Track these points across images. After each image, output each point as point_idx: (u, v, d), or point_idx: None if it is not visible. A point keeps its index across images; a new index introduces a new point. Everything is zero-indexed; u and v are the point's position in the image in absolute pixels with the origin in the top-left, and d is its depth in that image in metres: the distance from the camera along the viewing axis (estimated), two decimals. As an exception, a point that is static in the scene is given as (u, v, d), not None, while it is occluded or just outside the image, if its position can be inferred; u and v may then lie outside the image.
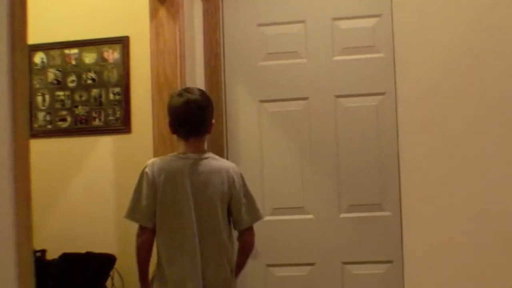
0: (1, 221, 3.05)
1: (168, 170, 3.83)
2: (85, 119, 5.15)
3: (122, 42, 5.10)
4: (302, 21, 4.68)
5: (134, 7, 4.84)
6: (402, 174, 2.45)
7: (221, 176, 3.84)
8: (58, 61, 5.20)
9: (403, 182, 2.45)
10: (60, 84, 5.19)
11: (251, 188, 4.01)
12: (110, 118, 5.10)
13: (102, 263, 4.79)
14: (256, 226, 4.06)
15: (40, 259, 4.48)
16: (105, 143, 5.13)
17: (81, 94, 5.16)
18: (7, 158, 3.08)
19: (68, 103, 5.18)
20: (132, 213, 3.83)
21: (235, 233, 3.99)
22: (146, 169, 3.87)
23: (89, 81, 5.15)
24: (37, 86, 5.17)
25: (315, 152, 4.65)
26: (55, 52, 5.20)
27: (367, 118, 4.57)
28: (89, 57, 5.15)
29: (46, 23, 4.74)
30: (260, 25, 4.69)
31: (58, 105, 5.19)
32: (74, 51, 5.18)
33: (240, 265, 4.01)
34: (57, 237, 4.84)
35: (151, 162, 3.94)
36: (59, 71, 5.20)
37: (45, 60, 5.19)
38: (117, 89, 5.10)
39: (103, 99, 5.13)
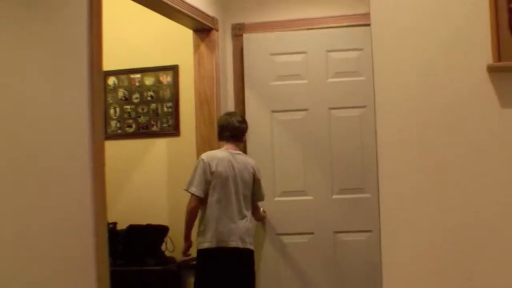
0: (83, 202, 3.07)
1: (218, 158, 4.14)
2: (145, 126, 5.16)
3: (173, 69, 5.10)
4: (304, 52, 4.71)
5: (182, 43, 4.84)
6: (379, 166, 2.43)
7: (249, 166, 4.23)
8: (125, 83, 5.21)
9: (380, 171, 2.43)
10: (127, 100, 5.20)
11: (266, 175, 4.43)
12: (164, 125, 5.11)
13: (158, 232, 4.80)
14: (268, 205, 4.53)
15: (112, 229, 4.48)
16: (160, 143, 5.14)
17: (143, 108, 5.17)
18: (88, 155, 3.11)
19: (133, 114, 5.19)
20: (190, 186, 4.10)
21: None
22: (203, 157, 4.15)
23: (149, 98, 5.16)
24: (110, 101, 5.18)
25: (313, 149, 4.68)
26: (123, 77, 5.20)
27: (352, 125, 4.62)
28: (149, 80, 5.16)
29: (117, 55, 4.74)
30: (272, 54, 4.69)
31: (125, 116, 5.20)
32: (137, 75, 5.19)
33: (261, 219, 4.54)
34: (125, 213, 4.85)
35: (205, 153, 4.22)
36: (126, 90, 5.21)
37: (116, 82, 5.21)
38: (169, 104, 5.11)
39: (159, 111, 5.14)
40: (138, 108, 5.17)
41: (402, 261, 2.37)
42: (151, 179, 5.09)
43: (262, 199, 4.33)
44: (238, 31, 4.95)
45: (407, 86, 2.38)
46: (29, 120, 2.72)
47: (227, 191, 4.09)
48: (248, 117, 4.60)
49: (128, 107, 5.19)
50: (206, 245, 4.06)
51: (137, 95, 5.18)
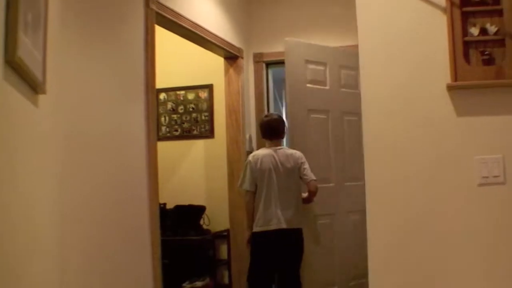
0: (140, 188, 3.11)
1: (262, 156, 3.84)
2: (188, 130, 5.20)
3: (209, 87, 5.14)
4: (325, 64, 4.42)
5: (216, 67, 4.86)
6: (365, 161, 2.43)
7: (292, 157, 3.86)
8: (173, 98, 5.25)
9: (366, 166, 2.43)
10: (174, 111, 5.25)
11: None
12: (202, 129, 5.15)
13: (198, 211, 4.83)
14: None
15: (162, 208, 4.52)
16: (199, 143, 5.17)
17: (186, 116, 5.21)
18: (144, 152, 3.15)
19: (178, 121, 5.23)
20: (242, 184, 3.85)
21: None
22: (250, 158, 3.88)
23: (191, 109, 5.20)
24: (161, 111, 5.22)
25: (333, 145, 4.39)
26: (171, 93, 5.25)
27: (356, 126, 4.28)
28: (191, 96, 5.20)
29: (166, 76, 4.80)
30: (306, 61, 4.30)
31: (173, 123, 5.25)
32: (182, 92, 5.23)
33: (309, 200, 3.95)
34: (173, 196, 4.88)
35: (251, 154, 3.96)
36: (173, 103, 5.25)
37: (165, 97, 5.25)
38: (206, 113, 5.14)
39: (198, 119, 5.17)
40: (183, 117, 5.22)
41: (384, 229, 2.37)
42: (192, 170, 5.12)
43: (309, 177, 3.85)
44: (258, 58, 4.97)
45: (385, 99, 2.38)
46: (104, 127, 2.78)
47: (271, 183, 3.77)
48: (290, 115, 4.27)
49: (175, 116, 5.24)
50: (256, 229, 3.77)
51: (181, 107, 5.22)
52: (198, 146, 5.16)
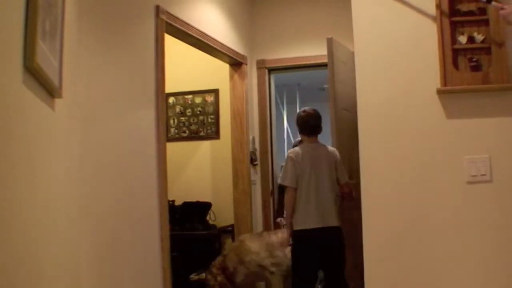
0: (151, 186, 3.11)
1: (302, 152, 3.52)
2: (195, 132, 5.19)
3: (215, 92, 5.12)
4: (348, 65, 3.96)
5: (222, 73, 4.85)
6: (361, 159, 2.43)
7: (332, 155, 3.54)
8: (181, 101, 5.24)
9: (361, 163, 2.43)
10: (182, 113, 5.23)
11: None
12: (209, 131, 5.13)
13: (204, 207, 4.81)
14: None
15: (171, 205, 4.51)
16: (206, 144, 5.15)
17: (194, 119, 5.19)
18: (154, 152, 3.15)
19: (186, 123, 5.22)
20: (284, 180, 3.53)
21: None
22: (290, 154, 3.56)
23: (198, 112, 5.18)
24: (170, 114, 5.21)
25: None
26: (179, 97, 5.22)
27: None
28: (198, 100, 5.19)
29: (175, 81, 4.80)
30: (340, 61, 3.91)
31: (181, 125, 5.23)
32: (190, 96, 5.21)
33: (349, 198, 3.57)
34: (181, 193, 4.87)
35: (292, 150, 3.64)
36: (182, 107, 5.23)
37: (174, 101, 5.24)
38: (212, 116, 5.12)
39: (205, 121, 5.15)
40: (190, 119, 5.20)
41: (378, 225, 2.37)
42: (199, 169, 5.11)
43: (343, 180, 3.54)
44: (261, 65, 4.96)
45: (379, 102, 2.38)
46: (117, 129, 2.78)
47: (312, 180, 3.45)
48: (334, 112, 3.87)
49: (183, 118, 5.22)
50: (296, 227, 3.46)
51: (189, 110, 5.21)
52: (204, 146, 5.15)
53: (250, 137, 4.80)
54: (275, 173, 4.98)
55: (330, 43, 3.73)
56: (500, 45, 2.21)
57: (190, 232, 4.60)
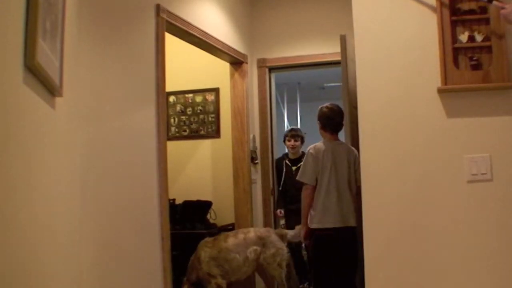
0: (151, 185, 3.11)
1: (324, 149, 3.44)
2: (196, 131, 5.18)
3: (216, 90, 5.11)
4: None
5: (222, 72, 4.84)
6: (361, 159, 2.43)
7: (353, 154, 3.43)
8: (182, 100, 5.23)
9: (362, 165, 2.43)
10: (183, 112, 5.23)
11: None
12: (209, 130, 5.13)
13: (205, 206, 4.80)
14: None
15: (172, 203, 4.50)
16: (206, 143, 5.14)
17: (194, 118, 5.18)
18: (155, 151, 3.15)
19: (187, 122, 5.20)
20: (303, 176, 3.45)
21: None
22: (311, 151, 3.47)
23: (199, 111, 5.17)
24: (171, 113, 5.20)
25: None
26: (180, 96, 5.21)
27: None
28: (198, 98, 5.18)
29: (175, 80, 4.79)
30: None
31: (182, 123, 5.22)
32: (190, 95, 5.20)
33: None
34: (181, 192, 4.86)
35: (312, 146, 3.53)
36: (182, 105, 5.22)
37: (175, 100, 5.23)
38: (213, 115, 5.11)
39: (205, 120, 5.15)
40: (191, 118, 5.19)
41: (379, 223, 2.37)
42: (200, 168, 5.10)
43: (359, 183, 3.42)
44: (262, 64, 4.96)
45: (380, 101, 2.38)
46: (117, 128, 2.78)
47: (330, 178, 3.37)
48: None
49: (184, 117, 5.21)
50: (314, 225, 3.40)
51: (190, 108, 5.20)
52: (205, 145, 5.14)
53: (251, 136, 4.79)
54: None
55: (343, 40, 3.68)
56: (501, 44, 2.21)
57: (191, 231, 4.58)
